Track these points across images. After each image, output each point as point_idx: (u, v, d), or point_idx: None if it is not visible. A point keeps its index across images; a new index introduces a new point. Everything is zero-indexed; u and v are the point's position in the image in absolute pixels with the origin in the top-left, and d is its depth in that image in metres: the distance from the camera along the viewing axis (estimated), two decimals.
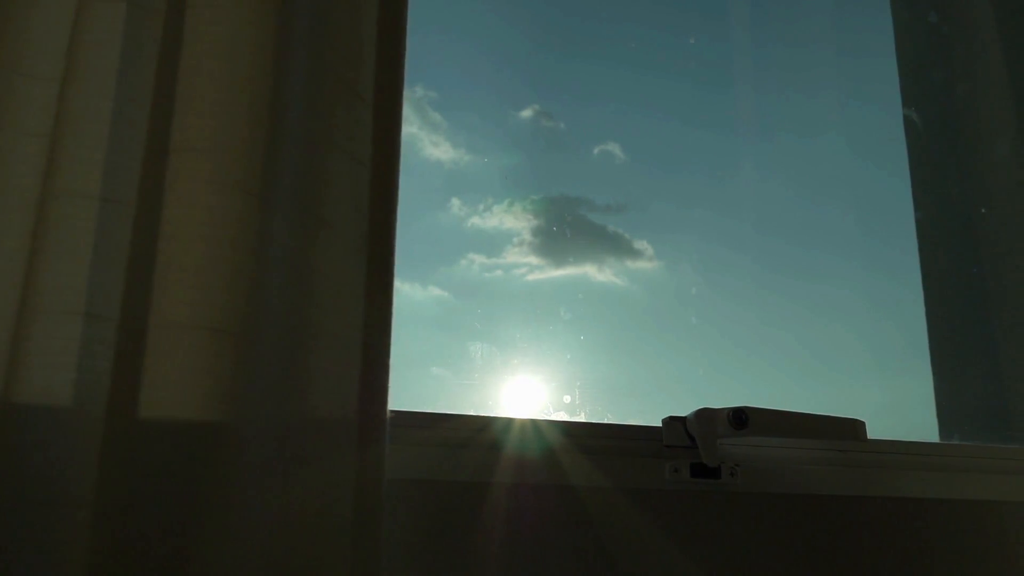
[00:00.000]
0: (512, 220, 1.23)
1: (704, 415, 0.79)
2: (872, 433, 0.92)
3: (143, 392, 0.45)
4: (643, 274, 1.25)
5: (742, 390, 1.12)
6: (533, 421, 0.79)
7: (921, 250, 1.28)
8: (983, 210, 1.18)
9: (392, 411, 0.62)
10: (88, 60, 0.52)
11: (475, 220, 1.23)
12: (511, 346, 1.07)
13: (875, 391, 1.20)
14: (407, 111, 1.20)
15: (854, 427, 0.80)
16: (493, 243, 1.22)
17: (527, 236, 1.22)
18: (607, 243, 1.26)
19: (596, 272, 1.25)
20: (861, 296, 1.28)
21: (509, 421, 0.79)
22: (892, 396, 1.22)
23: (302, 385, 0.53)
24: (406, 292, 1.17)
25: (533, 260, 1.21)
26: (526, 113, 1.27)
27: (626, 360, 1.15)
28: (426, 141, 1.24)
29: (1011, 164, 1.16)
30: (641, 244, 1.26)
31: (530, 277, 1.20)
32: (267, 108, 0.51)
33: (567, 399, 1.02)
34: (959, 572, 0.82)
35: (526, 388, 1.03)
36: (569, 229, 1.23)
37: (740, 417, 0.77)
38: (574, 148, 1.29)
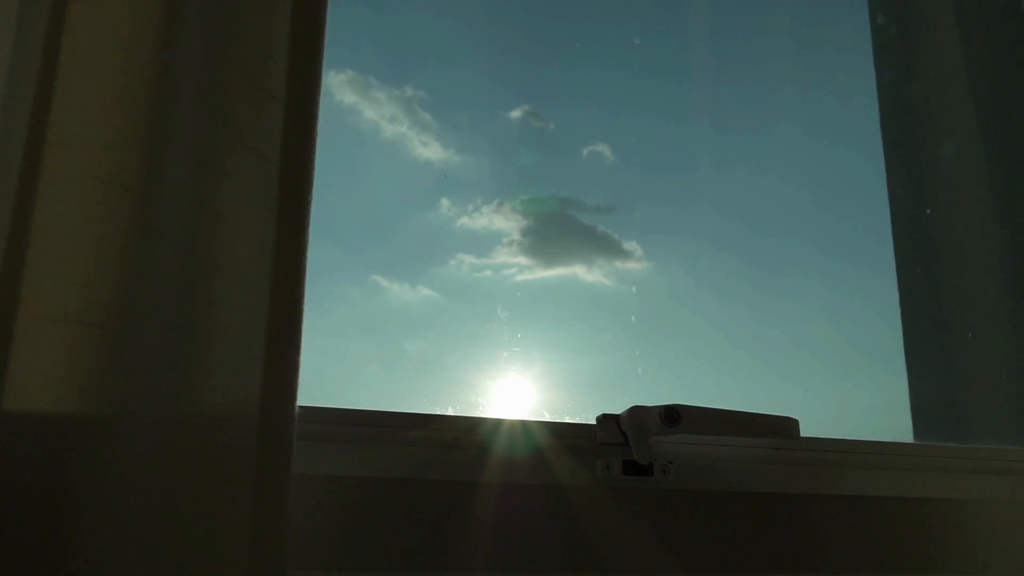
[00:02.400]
0: (501, 220, 1.23)
1: (636, 412, 0.78)
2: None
3: (8, 384, 0.45)
4: (632, 274, 1.25)
5: (734, 388, 1.12)
6: (463, 418, 0.79)
7: (896, 249, 1.28)
8: (928, 211, 1.18)
9: (301, 406, 0.62)
10: None
11: (464, 220, 1.23)
12: (502, 345, 1.07)
13: (876, 391, 1.20)
14: (396, 111, 1.21)
15: (787, 425, 0.79)
16: (482, 243, 1.22)
17: (516, 236, 1.22)
18: (597, 243, 1.26)
19: (586, 272, 1.24)
20: (861, 296, 1.27)
21: (455, 419, 0.79)
22: (894, 395, 1.22)
23: (193, 381, 0.53)
24: (395, 292, 1.17)
25: (523, 260, 1.21)
26: (515, 113, 1.26)
27: (615, 357, 1.15)
28: (415, 141, 1.24)
29: (956, 166, 1.16)
30: (631, 244, 1.26)
31: (519, 277, 1.20)
32: (150, 101, 0.50)
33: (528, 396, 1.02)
34: (893, 567, 0.82)
35: (519, 389, 1.04)
36: (558, 229, 1.23)
37: (672, 415, 0.76)
38: (563, 149, 1.28)
